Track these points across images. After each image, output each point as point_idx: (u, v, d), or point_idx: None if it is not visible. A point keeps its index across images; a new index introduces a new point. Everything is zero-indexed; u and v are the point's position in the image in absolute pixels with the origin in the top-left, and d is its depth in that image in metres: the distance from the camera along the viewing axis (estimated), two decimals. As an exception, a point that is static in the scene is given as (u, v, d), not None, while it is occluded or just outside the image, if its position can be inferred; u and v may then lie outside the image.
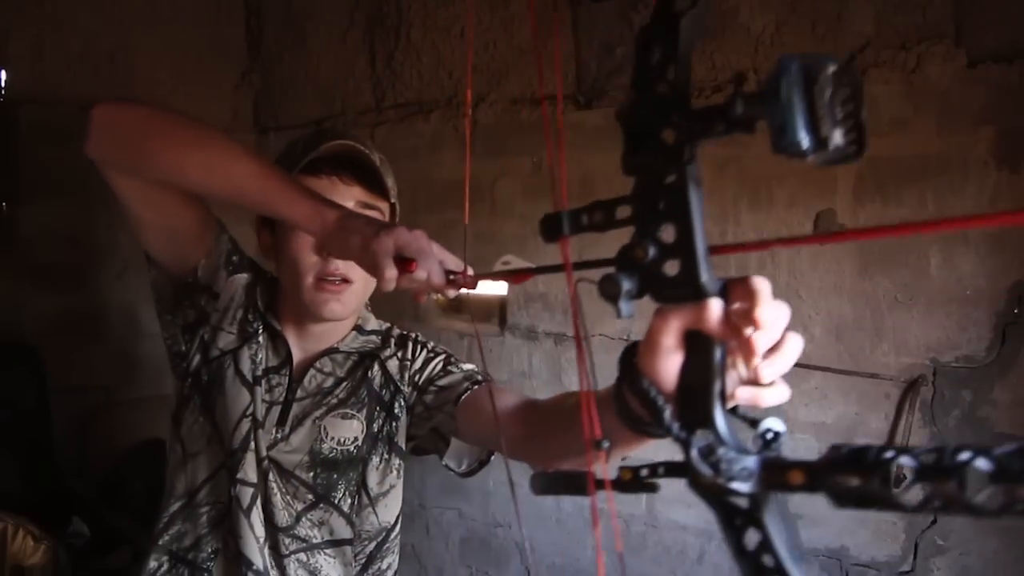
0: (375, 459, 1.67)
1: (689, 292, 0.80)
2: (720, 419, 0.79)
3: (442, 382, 1.63)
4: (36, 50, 3.08)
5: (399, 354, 1.71)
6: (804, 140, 0.67)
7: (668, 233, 0.81)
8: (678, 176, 0.79)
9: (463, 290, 1.31)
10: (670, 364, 0.83)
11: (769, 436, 0.80)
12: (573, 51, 2.74)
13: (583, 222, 0.86)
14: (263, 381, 1.66)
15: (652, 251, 0.81)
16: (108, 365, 3.21)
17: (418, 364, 1.69)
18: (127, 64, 3.24)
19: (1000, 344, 2.04)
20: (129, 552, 2.69)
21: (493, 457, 1.68)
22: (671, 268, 0.82)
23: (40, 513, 2.49)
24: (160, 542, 1.72)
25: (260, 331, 1.67)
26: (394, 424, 1.67)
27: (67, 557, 2.41)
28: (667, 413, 0.81)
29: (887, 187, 2.24)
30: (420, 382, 1.67)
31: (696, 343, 0.83)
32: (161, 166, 1.36)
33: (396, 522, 1.75)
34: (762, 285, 0.81)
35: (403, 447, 1.69)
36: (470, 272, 1.29)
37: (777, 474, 0.73)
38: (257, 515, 1.63)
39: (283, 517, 1.63)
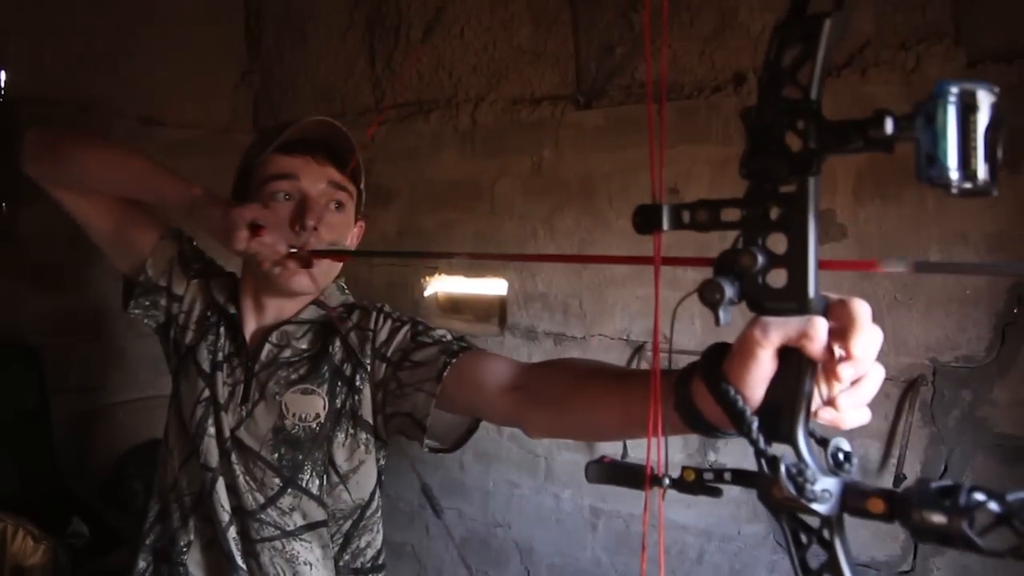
0: (340, 435, 1.65)
1: (794, 307, 0.78)
2: (803, 439, 0.78)
3: (417, 356, 1.58)
4: (36, 50, 3.06)
5: (361, 325, 1.69)
6: (954, 172, 0.65)
7: (777, 243, 0.80)
8: (800, 186, 0.77)
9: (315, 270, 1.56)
10: (760, 376, 0.81)
11: (840, 456, 0.79)
12: (573, 51, 2.73)
13: (684, 219, 0.84)
14: (224, 366, 1.70)
15: (761, 259, 0.79)
16: (108, 365, 3.20)
17: (383, 335, 1.65)
18: (127, 64, 3.22)
19: (1000, 344, 2.04)
20: (129, 552, 2.61)
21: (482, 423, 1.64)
22: (776, 279, 0.80)
23: (40, 513, 2.48)
24: (146, 542, 1.78)
25: (219, 322, 1.74)
26: (357, 398, 1.64)
27: (67, 557, 2.39)
28: (755, 425, 0.80)
29: (887, 187, 2.24)
30: (390, 354, 1.62)
31: (791, 360, 0.81)
32: (73, 170, 1.69)
33: (372, 499, 1.72)
34: (863, 310, 0.79)
35: (370, 421, 1.65)
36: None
37: (858, 499, 0.73)
38: (218, 499, 1.66)
39: (249, 501, 1.64)
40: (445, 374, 1.49)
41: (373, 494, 1.72)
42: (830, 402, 0.81)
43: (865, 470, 2.33)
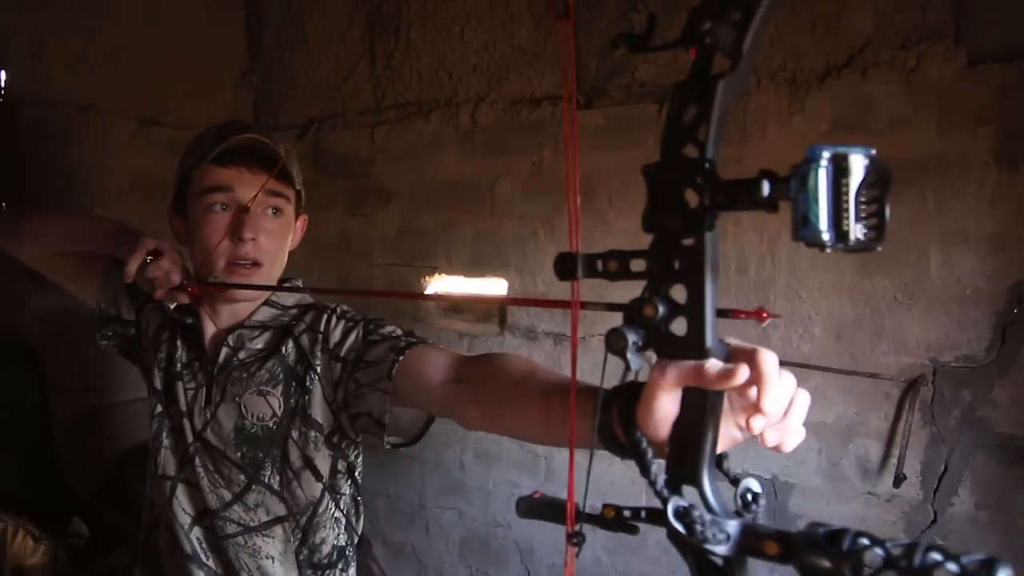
0: (294, 433, 1.69)
1: (694, 354, 0.81)
2: (707, 479, 0.81)
3: (369, 355, 1.61)
4: (36, 50, 3.06)
5: (313, 326, 1.73)
6: (825, 234, 0.68)
7: (679, 293, 0.83)
8: (696, 240, 0.80)
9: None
10: (662, 416, 0.85)
11: (748, 497, 0.82)
12: (573, 50, 2.72)
13: (598, 268, 0.87)
14: (185, 374, 1.77)
15: (662, 310, 0.83)
16: (108, 365, 3.16)
17: (336, 335, 1.68)
18: (127, 64, 3.22)
19: (1000, 344, 2.04)
20: (129, 552, 2.67)
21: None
22: (678, 327, 0.83)
23: (40, 513, 2.49)
24: (143, 547, 1.88)
25: (174, 336, 1.82)
26: (307, 398, 1.69)
27: (67, 557, 2.41)
28: (653, 468, 0.84)
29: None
30: (344, 354, 1.66)
31: (692, 400, 0.84)
32: (24, 244, 1.92)
33: (322, 496, 1.75)
34: (768, 363, 0.82)
35: (319, 420, 1.70)
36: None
37: (753, 541, 0.76)
38: (178, 504, 1.74)
39: (212, 500, 1.71)
40: (394, 371, 1.52)
41: (324, 492, 1.75)
42: (759, 435, 0.84)
43: (865, 470, 2.34)
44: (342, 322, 1.71)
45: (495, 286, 3.09)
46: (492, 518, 3.15)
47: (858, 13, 2.28)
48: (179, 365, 1.80)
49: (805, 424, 2.16)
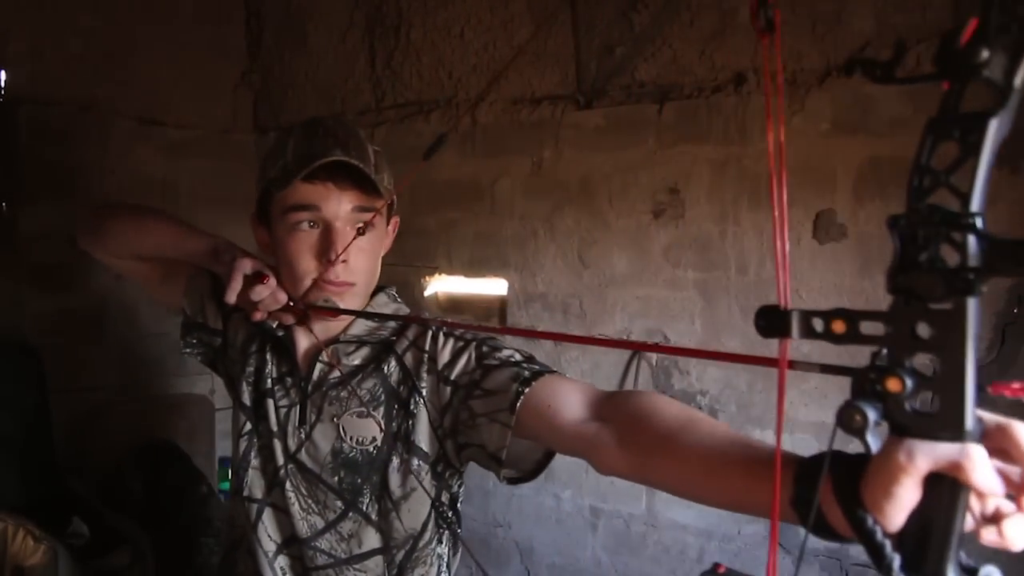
0: (395, 460, 1.60)
1: (949, 436, 0.74)
2: (952, 574, 0.75)
3: (488, 384, 1.50)
4: (36, 50, 3.11)
5: (417, 343, 1.64)
6: None
7: (926, 363, 0.76)
8: (956, 305, 0.72)
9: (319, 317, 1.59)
10: (903, 505, 0.77)
11: None
12: (573, 52, 2.76)
13: (816, 328, 0.80)
14: (277, 390, 1.70)
15: (909, 384, 0.75)
16: (108, 365, 3.26)
17: (446, 356, 1.58)
18: (126, 64, 3.26)
19: (1000, 344, 2.05)
20: (128, 552, 2.70)
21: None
22: (924, 402, 0.76)
23: (40, 513, 2.53)
24: (220, 566, 1.83)
25: (263, 348, 1.74)
26: (411, 423, 1.59)
27: (67, 557, 2.43)
28: (896, 563, 0.77)
29: (888, 187, 2.27)
30: (455, 378, 1.56)
31: (941, 488, 0.76)
32: (112, 245, 1.85)
33: (424, 529, 1.65)
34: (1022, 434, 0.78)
35: (424, 448, 1.60)
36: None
37: None
38: (264, 530, 1.67)
39: (303, 527, 1.64)
40: (519, 404, 1.42)
41: (426, 524, 1.65)
42: (996, 526, 0.77)
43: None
44: (451, 340, 1.62)
45: (495, 286, 3.06)
46: (492, 518, 3.15)
47: (858, 14, 2.29)
48: (270, 380, 1.72)
49: (805, 423, 2.13)
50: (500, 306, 3.09)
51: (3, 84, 3.06)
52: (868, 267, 2.34)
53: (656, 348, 2.76)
